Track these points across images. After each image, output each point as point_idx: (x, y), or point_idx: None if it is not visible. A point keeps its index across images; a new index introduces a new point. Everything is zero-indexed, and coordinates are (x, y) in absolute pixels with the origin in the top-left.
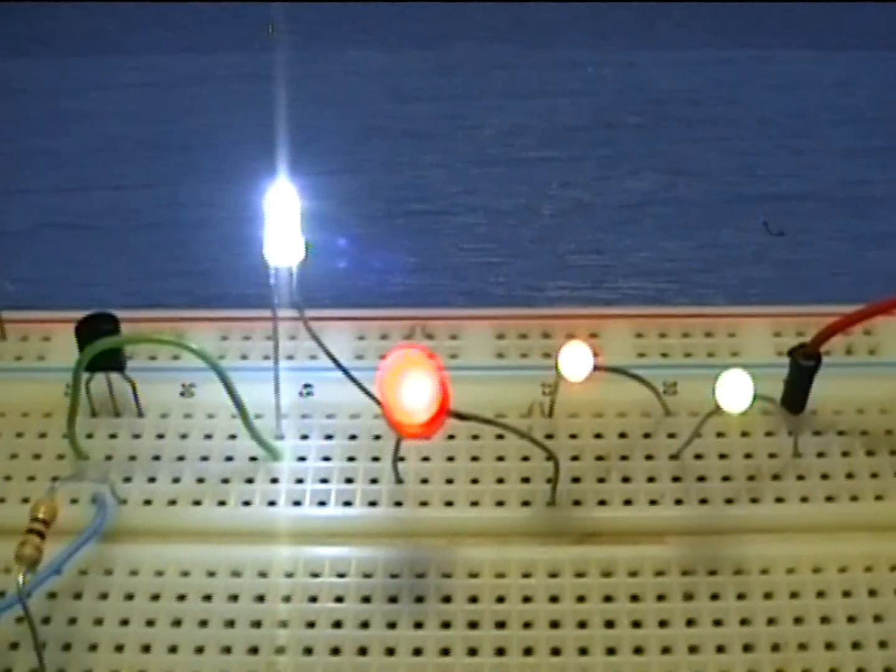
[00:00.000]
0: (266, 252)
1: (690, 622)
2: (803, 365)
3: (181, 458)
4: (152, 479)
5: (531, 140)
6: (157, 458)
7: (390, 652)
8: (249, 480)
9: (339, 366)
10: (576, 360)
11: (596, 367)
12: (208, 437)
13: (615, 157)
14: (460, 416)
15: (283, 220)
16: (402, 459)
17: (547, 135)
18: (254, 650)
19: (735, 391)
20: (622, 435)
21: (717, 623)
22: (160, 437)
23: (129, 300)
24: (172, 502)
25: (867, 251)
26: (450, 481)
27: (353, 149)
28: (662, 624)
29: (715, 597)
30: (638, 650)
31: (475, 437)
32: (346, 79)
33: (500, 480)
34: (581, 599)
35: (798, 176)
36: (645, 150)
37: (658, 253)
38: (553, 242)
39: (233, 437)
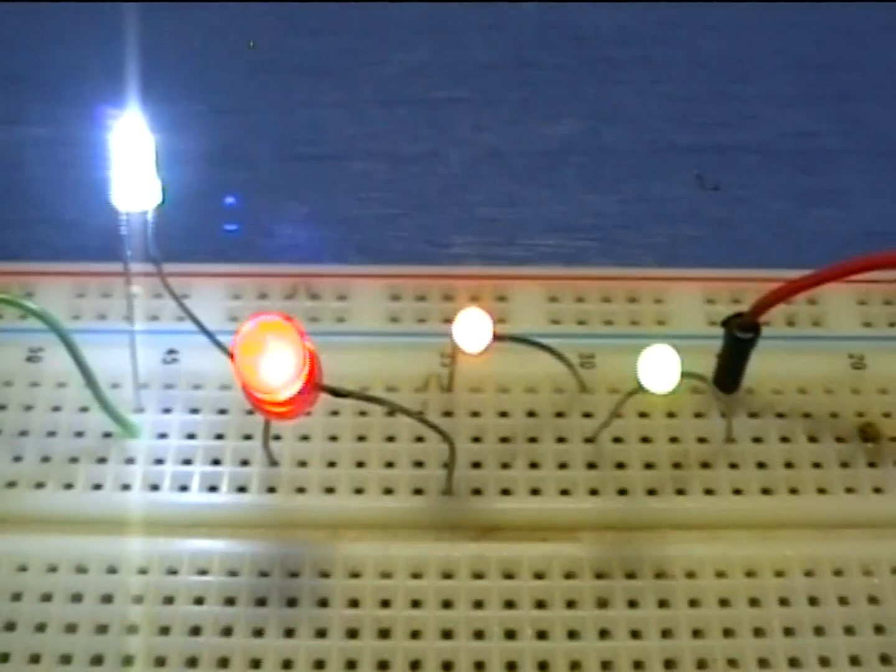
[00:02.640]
0: (114, 196)
1: (604, 633)
2: (740, 337)
3: (24, 434)
4: None
5: (440, 79)
6: None
7: (256, 664)
8: (101, 460)
9: (204, 330)
10: (473, 328)
11: (496, 337)
12: (56, 409)
13: (532, 99)
14: (335, 393)
15: (133, 158)
16: (276, 438)
17: (457, 74)
18: (97, 660)
19: (660, 369)
20: (530, 414)
21: (635, 635)
22: (1, 408)
23: None
24: (11, 484)
25: (811, 209)
26: (331, 465)
27: (240, 85)
28: (572, 635)
29: (633, 604)
30: (543, 665)
31: (362, 413)
32: (233, 6)
33: (389, 465)
34: (478, 605)
35: (736, 125)
36: (566, 92)
37: (578, 207)
38: (461, 193)
39: (84, 409)
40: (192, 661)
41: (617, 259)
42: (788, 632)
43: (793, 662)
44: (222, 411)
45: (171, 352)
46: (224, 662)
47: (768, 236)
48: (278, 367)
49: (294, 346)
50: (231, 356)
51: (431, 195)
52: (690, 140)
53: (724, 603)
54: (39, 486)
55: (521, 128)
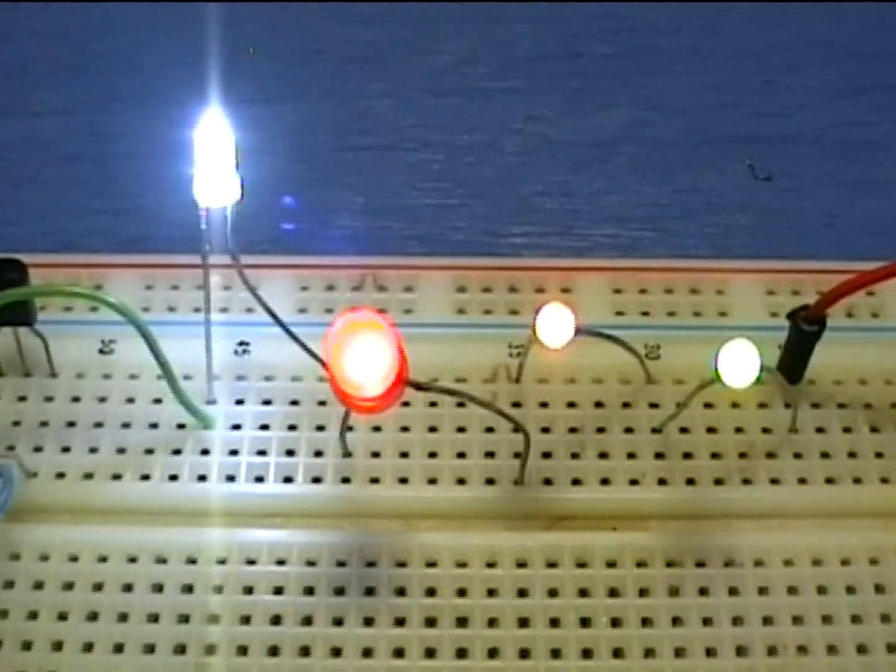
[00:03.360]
0: (196, 191)
1: (676, 621)
2: (805, 330)
3: (99, 425)
4: (66, 449)
5: (490, 69)
6: (71, 424)
7: (336, 652)
8: (176, 451)
9: (278, 322)
10: (556, 324)
11: (577, 331)
12: (130, 401)
13: (583, 90)
14: (419, 387)
15: (216, 156)
16: (350, 429)
17: (508, 64)
18: (180, 649)
19: (739, 363)
20: (598, 404)
21: (707, 622)
22: (75, 400)
23: (41, 242)
24: (88, 476)
25: (860, 199)
26: (404, 455)
27: (293, 75)
28: (645, 622)
29: (704, 592)
30: (617, 652)
31: (433, 404)
32: None
33: (461, 455)
34: (553, 594)
35: (785, 115)
36: (616, 83)
37: (632, 197)
38: (516, 183)
39: (158, 401)
40: (274, 650)
41: (672, 249)
42: (856, 619)
43: (861, 649)
44: (294, 402)
45: (243, 343)
46: (305, 651)
47: (819, 226)
48: (372, 364)
49: (389, 344)
50: (309, 350)
51: (487, 185)
52: (740, 130)
53: (792, 591)
54: (116, 477)
55: (573, 118)
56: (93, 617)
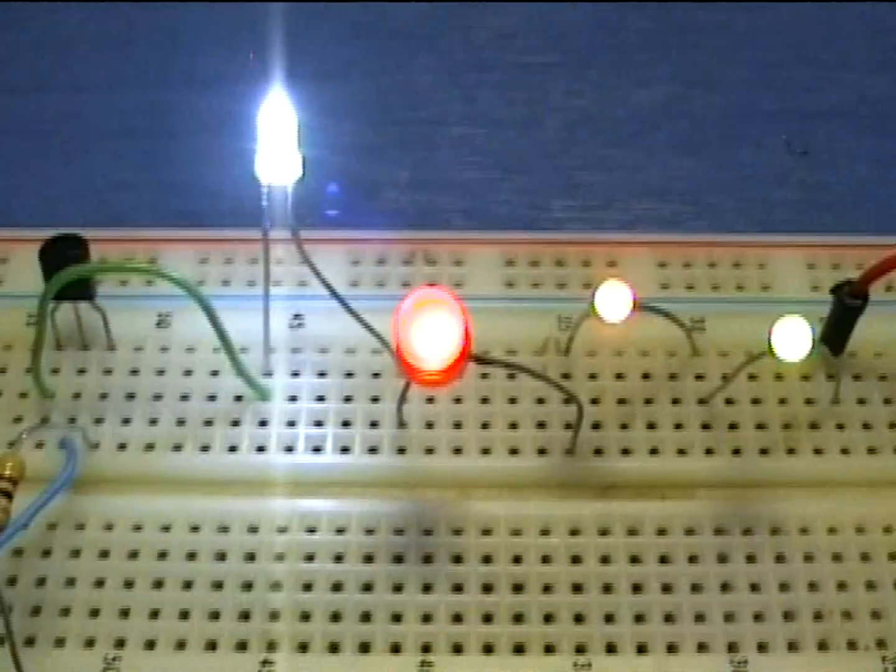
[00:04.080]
0: (258, 169)
1: (725, 587)
2: (849, 305)
3: (158, 397)
4: (126, 421)
5: (531, 44)
6: (131, 396)
7: (396, 618)
8: (235, 423)
9: (336, 296)
10: (615, 299)
11: (634, 307)
12: (188, 373)
13: (622, 64)
14: (481, 360)
15: (279, 135)
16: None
17: (548, 39)
18: (244, 615)
19: (793, 339)
20: (646, 376)
21: (755, 588)
22: (134, 372)
23: (94, 216)
24: (150, 447)
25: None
26: (458, 426)
27: (338, 51)
28: (695, 588)
29: (751, 559)
30: (668, 618)
31: (484, 376)
32: None
33: (513, 426)
34: (605, 560)
35: (821, 90)
36: (654, 57)
37: (671, 171)
38: (558, 157)
39: (215, 373)
40: (336, 616)
41: (711, 222)
42: None
43: None
44: (349, 374)
45: (297, 316)
46: (366, 617)
47: (856, 199)
48: (442, 341)
49: (458, 321)
50: (364, 323)
51: (529, 159)
52: (777, 105)
53: (836, 558)
54: (177, 448)
55: (612, 93)
56: (158, 585)
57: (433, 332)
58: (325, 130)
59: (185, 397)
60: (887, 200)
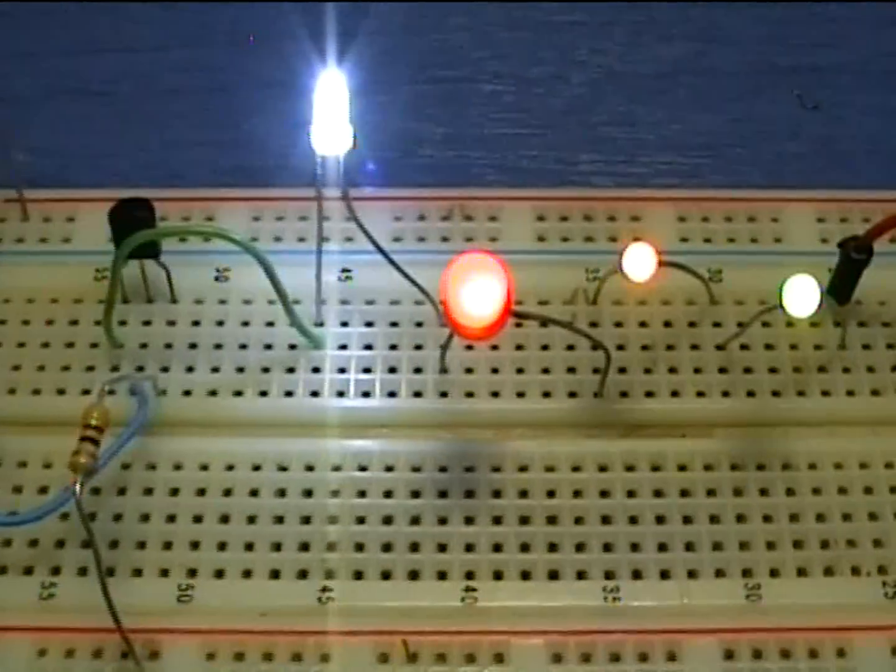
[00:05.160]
0: (313, 140)
1: (740, 518)
2: (855, 258)
3: (219, 347)
4: (190, 369)
5: (559, 4)
6: (193, 346)
7: (442, 548)
8: (290, 370)
9: (383, 253)
10: (641, 260)
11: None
12: (245, 324)
13: (644, 22)
14: (520, 316)
15: (333, 109)
16: (442, 348)
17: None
18: (304, 547)
19: (802, 296)
20: (667, 324)
21: (767, 519)
22: (196, 323)
23: (150, 172)
24: (213, 393)
25: None
26: (495, 371)
27: (374, 10)
28: (713, 519)
29: (764, 492)
30: (689, 546)
31: (519, 325)
32: None
33: (546, 370)
34: (631, 494)
35: (832, 46)
36: (674, 15)
37: (691, 126)
38: (584, 113)
39: (270, 324)
40: (387, 547)
41: (728, 175)
42: None
43: None
44: (394, 324)
45: (345, 270)
46: (415, 547)
47: (864, 153)
48: (487, 301)
49: (501, 283)
50: (409, 277)
51: (556, 115)
52: (790, 61)
53: (842, 491)
54: (238, 393)
55: (635, 50)
56: (224, 519)
57: (479, 293)
58: (363, 88)
59: (243, 346)
60: (894, 153)
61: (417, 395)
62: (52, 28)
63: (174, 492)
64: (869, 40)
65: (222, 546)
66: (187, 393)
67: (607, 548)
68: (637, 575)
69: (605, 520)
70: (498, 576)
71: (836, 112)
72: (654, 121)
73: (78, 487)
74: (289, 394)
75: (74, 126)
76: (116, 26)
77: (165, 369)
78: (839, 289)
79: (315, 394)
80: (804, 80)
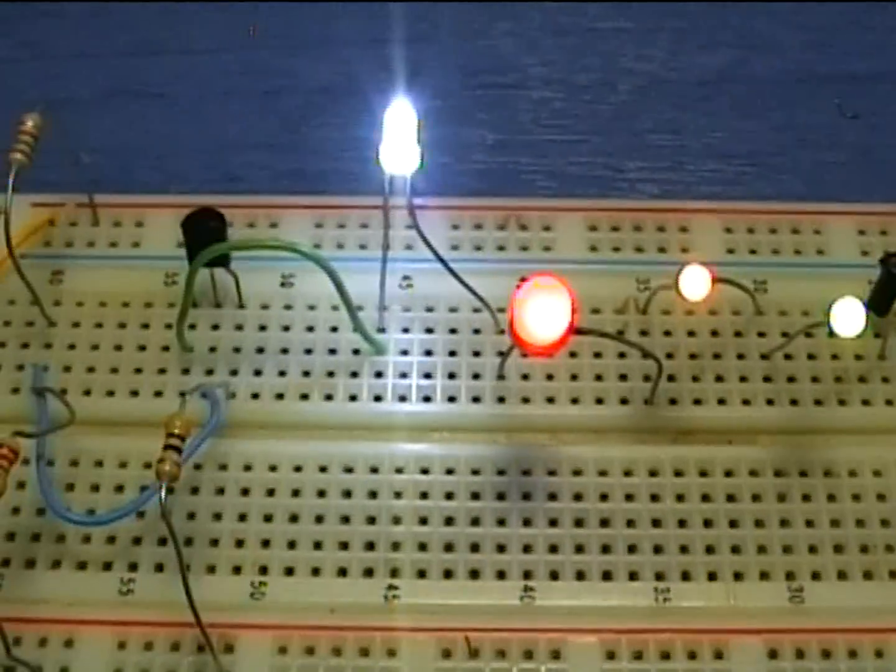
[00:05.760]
0: (383, 161)
1: (784, 522)
2: (895, 273)
3: (285, 351)
4: (258, 373)
5: (604, 10)
6: (260, 350)
7: (501, 549)
8: (354, 374)
9: (444, 264)
10: (697, 281)
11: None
12: (310, 329)
13: (687, 30)
14: (581, 332)
15: (402, 133)
16: (499, 354)
17: (618, 5)
18: (370, 546)
19: (849, 318)
20: (714, 333)
21: (809, 524)
22: (263, 328)
23: (209, 173)
24: (280, 396)
25: None
26: (550, 377)
27: (422, 15)
28: (758, 524)
29: (807, 498)
30: (735, 549)
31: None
32: None
33: (599, 377)
34: (680, 498)
35: (870, 55)
36: (716, 23)
37: (734, 133)
38: (630, 120)
39: (334, 329)
40: (449, 547)
41: (770, 184)
42: None
43: None
44: (453, 331)
45: (406, 277)
46: (475, 548)
47: None
48: (553, 325)
49: (566, 307)
50: (468, 286)
51: (604, 122)
52: (829, 69)
53: (881, 497)
54: (304, 397)
55: (679, 57)
56: (294, 519)
57: (545, 316)
58: (415, 93)
59: (308, 351)
60: None
61: (476, 400)
62: (110, 29)
63: (245, 492)
64: None
65: (292, 545)
66: (255, 396)
67: (657, 550)
68: (686, 576)
69: (656, 523)
70: (554, 576)
71: (875, 121)
72: (698, 128)
73: (164, 493)
74: (353, 398)
75: (135, 127)
76: (173, 27)
77: (234, 373)
78: (879, 302)
79: (378, 398)
80: (844, 89)
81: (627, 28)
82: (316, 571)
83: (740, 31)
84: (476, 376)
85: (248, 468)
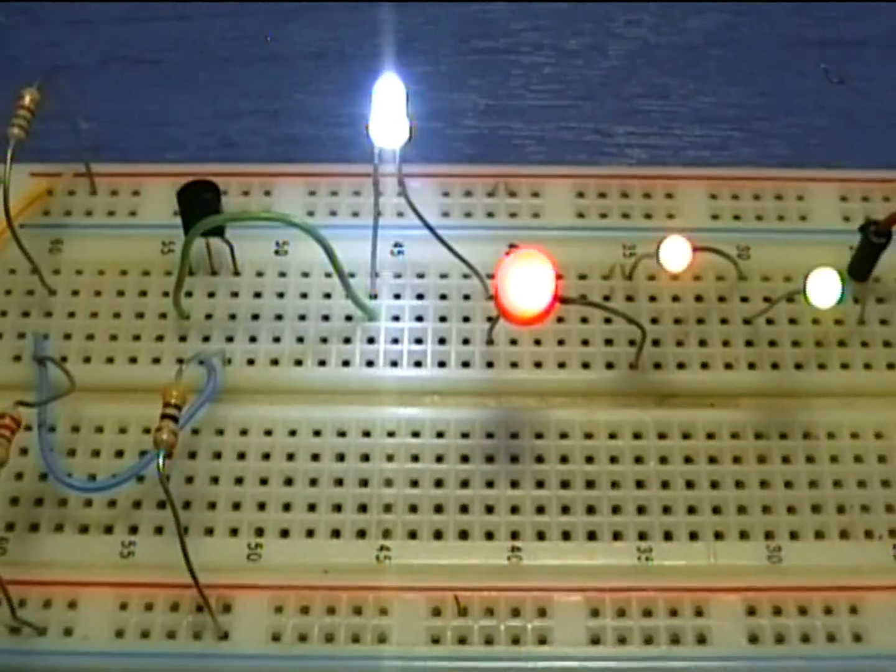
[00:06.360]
0: (372, 135)
1: (763, 483)
2: (874, 241)
3: (279, 318)
4: (253, 339)
5: None
6: (255, 317)
7: (489, 510)
8: (347, 340)
9: (433, 232)
10: (676, 253)
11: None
12: (304, 296)
13: None
14: (565, 301)
15: (391, 107)
16: (488, 320)
17: None
18: (363, 508)
19: (825, 288)
20: (698, 298)
21: (788, 485)
22: (257, 295)
23: (204, 140)
24: (274, 362)
25: None
26: (538, 342)
27: None
28: (738, 485)
29: (786, 459)
30: (716, 510)
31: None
32: None
33: (585, 342)
34: (663, 460)
35: (856, 19)
36: None
37: (721, 98)
38: (620, 85)
39: (328, 296)
40: (439, 508)
41: (756, 148)
42: None
43: None
44: (443, 297)
45: (397, 244)
46: (464, 508)
47: (886, 126)
48: (536, 295)
49: (549, 279)
50: (457, 254)
51: (593, 87)
52: (817, 34)
53: (858, 459)
54: (298, 363)
55: (668, 22)
56: (289, 482)
57: (528, 289)
58: (408, 56)
59: (302, 317)
60: None
61: (466, 365)
62: None
63: (241, 456)
64: (891, 14)
65: (287, 507)
66: (251, 362)
67: (641, 510)
68: (668, 536)
69: (639, 484)
70: (541, 536)
71: (861, 86)
72: (686, 93)
73: (161, 461)
74: (346, 363)
75: (131, 94)
76: None
77: (230, 339)
78: (859, 268)
79: (370, 363)
80: (830, 54)
81: None
82: (310, 533)
83: None
84: (466, 341)
85: (244, 433)
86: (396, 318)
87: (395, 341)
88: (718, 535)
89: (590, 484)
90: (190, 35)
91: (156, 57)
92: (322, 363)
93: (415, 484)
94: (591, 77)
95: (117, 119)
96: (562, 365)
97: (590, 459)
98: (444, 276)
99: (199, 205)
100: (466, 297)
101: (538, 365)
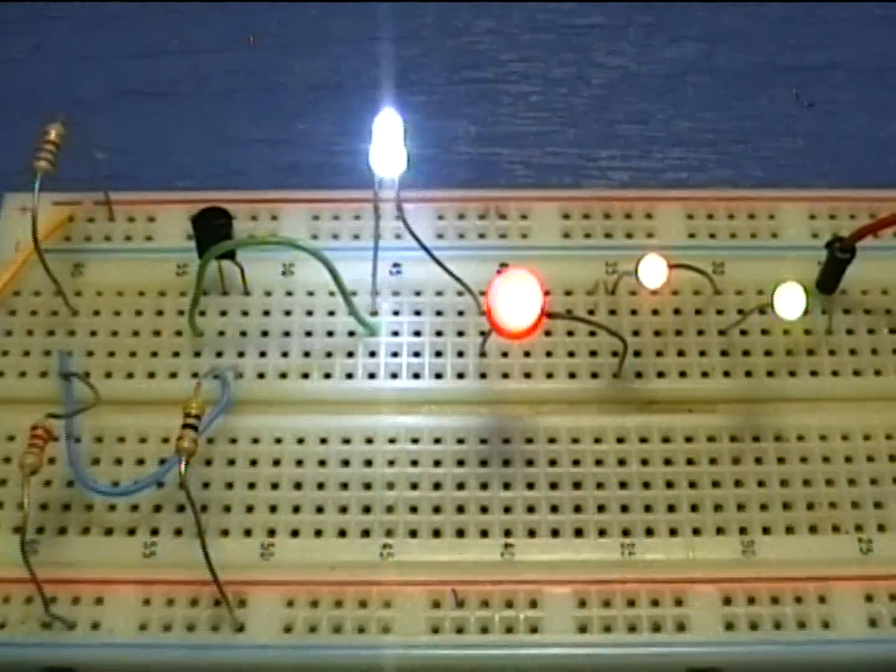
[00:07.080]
0: (372, 165)
1: (738, 483)
2: (839, 257)
3: (287, 334)
4: (263, 354)
5: (577, 7)
6: (265, 333)
7: (484, 510)
8: (350, 354)
9: (428, 252)
10: (653, 271)
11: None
12: (309, 313)
13: (656, 24)
14: (551, 316)
15: (389, 139)
16: (481, 334)
17: (592, 2)
18: (367, 509)
19: (791, 301)
20: (676, 311)
21: (761, 484)
22: (266, 314)
23: (213, 168)
24: (283, 375)
25: (892, 122)
26: (527, 354)
27: (408, 13)
28: (715, 485)
29: (759, 461)
30: (694, 508)
31: (548, 315)
32: None
33: (571, 354)
34: (645, 462)
35: (825, 47)
36: (683, 17)
37: (698, 123)
38: (602, 112)
39: (331, 313)
40: (437, 509)
41: (731, 169)
42: (874, 482)
43: (877, 505)
44: (439, 313)
45: (396, 265)
46: (461, 509)
47: (854, 147)
48: (524, 312)
49: (537, 296)
50: (451, 273)
51: (578, 114)
52: (789, 60)
53: (826, 460)
54: (305, 376)
55: (648, 51)
56: (298, 486)
57: (518, 303)
58: (401, 87)
59: (308, 334)
60: (884, 149)
61: (460, 376)
62: (117, 31)
63: (253, 463)
64: (859, 39)
65: (296, 509)
66: (261, 376)
67: (624, 509)
68: (650, 532)
69: (623, 485)
70: (532, 533)
71: (829, 108)
72: (665, 118)
73: (183, 467)
74: (349, 376)
75: (141, 126)
76: (175, 29)
77: (241, 354)
78: (826, 281)
79: (372, 375)
80: (801, 79)
81: (600, 24)
82: (318, 533)
83: (705, 26)
84: (460, 354)
85: (255, 441)
86: (396, 334)
87: (395, 355)
88: (696, 531)
89: (576, 485)
90: (197, 69)
91: (165, 90)
92: (327, 376)
93: (414, 486)
94: (575, 104)
95: (129, 149)
96: (550, 375)
97: (576, 462)
98: (439, 293)
99: (212, 230)
100: (461, 314)
101: (528, 375)
